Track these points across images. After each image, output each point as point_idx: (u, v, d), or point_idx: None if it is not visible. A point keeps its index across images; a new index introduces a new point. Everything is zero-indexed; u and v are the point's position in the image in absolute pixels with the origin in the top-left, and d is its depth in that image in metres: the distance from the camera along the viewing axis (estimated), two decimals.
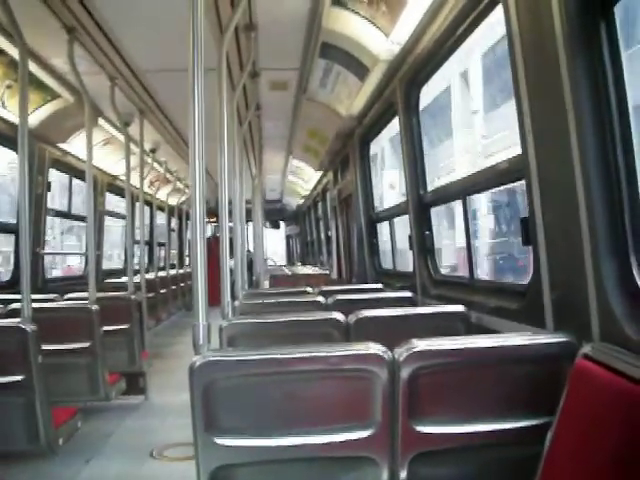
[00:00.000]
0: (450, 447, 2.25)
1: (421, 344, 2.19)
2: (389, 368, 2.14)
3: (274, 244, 22.67)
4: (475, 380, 2.27)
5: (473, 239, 4.18)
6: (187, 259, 16.39)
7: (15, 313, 3.92)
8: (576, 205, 2.33)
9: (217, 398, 2.13)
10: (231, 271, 4.69)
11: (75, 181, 8.47)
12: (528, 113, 2.70)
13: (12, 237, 6.31)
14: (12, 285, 6.27)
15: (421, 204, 4.82)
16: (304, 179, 13.05)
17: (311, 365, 2.20)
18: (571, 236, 2.40)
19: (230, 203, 4.96)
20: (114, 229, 14.96)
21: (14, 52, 4.83)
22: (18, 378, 3.42)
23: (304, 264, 17.86)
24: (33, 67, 5.06)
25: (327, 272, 10.76)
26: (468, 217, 4.09)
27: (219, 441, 2.13)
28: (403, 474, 2.19)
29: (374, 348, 2.17)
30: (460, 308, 3.50)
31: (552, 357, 2.26)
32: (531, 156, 2.69)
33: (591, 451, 1.82)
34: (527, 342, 2.34)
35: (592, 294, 2.28)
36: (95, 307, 4.73)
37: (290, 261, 22.17)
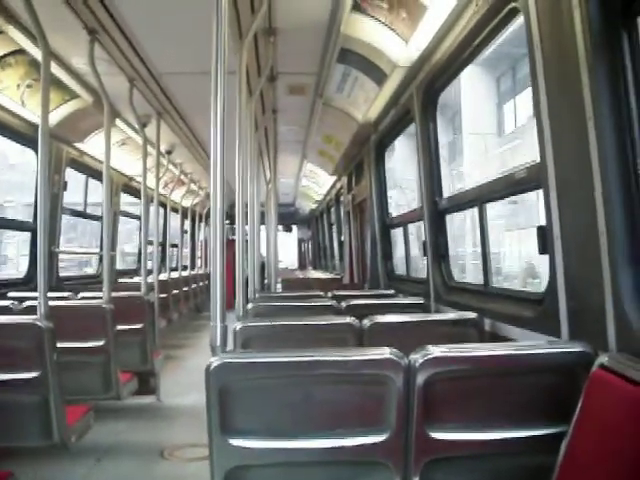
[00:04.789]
0: (464, 454, 2.24)
1: (437, 350, 2.19)
2: (405, 373, 2.14)
3: (286, 248, 22.63)
4: (490, 388, 2.26)
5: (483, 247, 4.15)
6: (199, 261, 16.45)
7: (30, 310, 3.95)
8: (594, 214, 2.32)
9: (232, 399, 2.14)
10: None
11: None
12: (547, 122, 2.70)
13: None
14: (26, 282, 6.32)
15: (436, 211, 4.82)
16: (318, 183, 13.06)
17: (327, 369, 2.20)
18: (589, 245, 2.39)
19: (245, 207, 4.98)
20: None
21: (35, 51, 4.89)
22: (33, 375, 3.44)
23: (315, 268, 17.86)
24: (54, 67, 5.10)
25: (339, 277, 10.75)
26: (484, 225, 4.08)
27: (234, 442, 2.14)
28: None
29: (390, 353, 2.17)
30: (473, 315, 3.49)
31: (568, 366, 2.25)
32: (550, 165, 2.69)
33: (607, 462, 1.82)
34: (543, 351, 2.33)
35: (609, 304, 2.28)
36: (109, 306, 4.75)
37: (302, 265, 22.16)
